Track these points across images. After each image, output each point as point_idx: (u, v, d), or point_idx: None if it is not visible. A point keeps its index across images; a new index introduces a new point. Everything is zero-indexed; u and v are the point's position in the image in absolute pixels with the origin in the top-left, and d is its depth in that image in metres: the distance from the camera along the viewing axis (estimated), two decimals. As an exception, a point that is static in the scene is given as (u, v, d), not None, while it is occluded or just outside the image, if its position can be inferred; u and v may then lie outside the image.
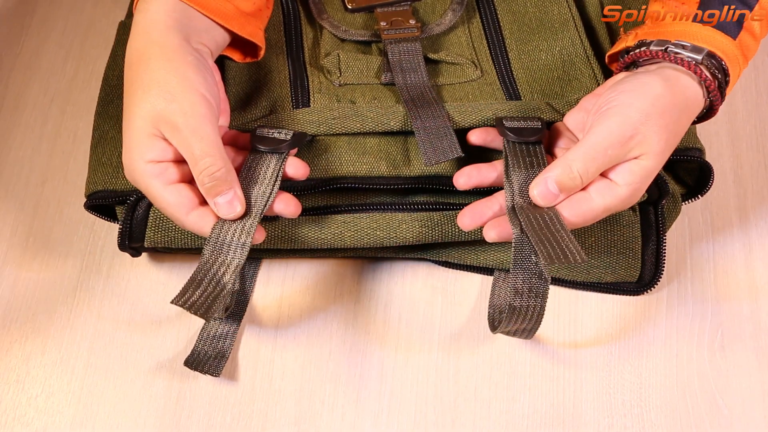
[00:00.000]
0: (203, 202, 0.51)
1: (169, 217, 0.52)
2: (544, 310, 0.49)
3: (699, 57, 0.52)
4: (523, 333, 0.52)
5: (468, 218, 0.52)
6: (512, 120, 0.55)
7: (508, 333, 0.53)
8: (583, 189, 0.50)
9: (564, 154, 0.50)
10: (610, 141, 0.49)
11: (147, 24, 0.53)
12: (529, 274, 0.49)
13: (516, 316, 0.50)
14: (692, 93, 0.52)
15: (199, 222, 0.50)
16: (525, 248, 0.49)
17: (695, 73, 0.52)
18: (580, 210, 0.50)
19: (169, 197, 0.50)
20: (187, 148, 0.50)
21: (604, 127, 0.50)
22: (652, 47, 0.54)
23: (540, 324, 0.50)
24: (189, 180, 0.51)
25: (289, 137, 0.54)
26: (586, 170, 0.49)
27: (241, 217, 0.51)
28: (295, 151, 0.55)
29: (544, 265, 0.48)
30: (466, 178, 0.53)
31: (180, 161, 0.51)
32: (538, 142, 0.54)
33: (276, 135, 0.54)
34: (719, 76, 0.53)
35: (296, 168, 0.53)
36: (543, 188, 0.50)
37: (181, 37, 0.52)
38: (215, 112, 0.52)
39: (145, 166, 0.50)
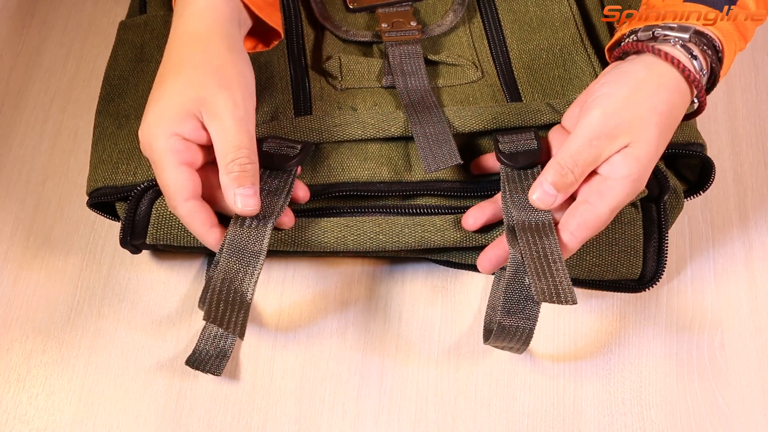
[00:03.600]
0: (204, 197, 0.51)
1: (165, 197, 0.51)
2: (533, 332, 0.50)
3: (686, 35, 0.51)
4: (512, 350, 0.52)
5: (486, 263, 0.54)
6: (508, 136, 0.56)
7: (498, 347, 0.53)
8: (584, 200, 0.50)
9: (554, 156, 0.50)
10: (594, 132, 0.49)
11: (205, 9, 0.52)
12: (521, 296, 0.50)
13: (505, 335, 0.50)
14: (679, 75, 0.51)
15: (191, 213, 0.50)
16: (521, 272, 0.50)
17: (673, 63, 0.50)
18: (590, 221, 0.50)
19: (175, 176, 0.49)
20: (224, 137, 0.49)
21: (586, 121, 0.50)
22: (639, 34, 0.53)
23: (529, 343, 0.50)
24: (200, 169, 0.51)
25: (296, 152, 0.54)
26: (575, 164, 0.49)
27: (256, 224, 0.51)
28: (299, 170, 0.55)
29: (536, 299, 0.48)
30: (473, 220, 0.55)
31: (202, 147, 0.51)
32: (534, 164, 0.55)
33: (284, 150, 0.54)
34: (709, 52, 0.52)
35: (296, 190, 0.54)
36: (540, 192, 0.50)
37: (239, 30, 0.53)
38: (254, 112, 0.52)
39: (168, 138, 0.49)
